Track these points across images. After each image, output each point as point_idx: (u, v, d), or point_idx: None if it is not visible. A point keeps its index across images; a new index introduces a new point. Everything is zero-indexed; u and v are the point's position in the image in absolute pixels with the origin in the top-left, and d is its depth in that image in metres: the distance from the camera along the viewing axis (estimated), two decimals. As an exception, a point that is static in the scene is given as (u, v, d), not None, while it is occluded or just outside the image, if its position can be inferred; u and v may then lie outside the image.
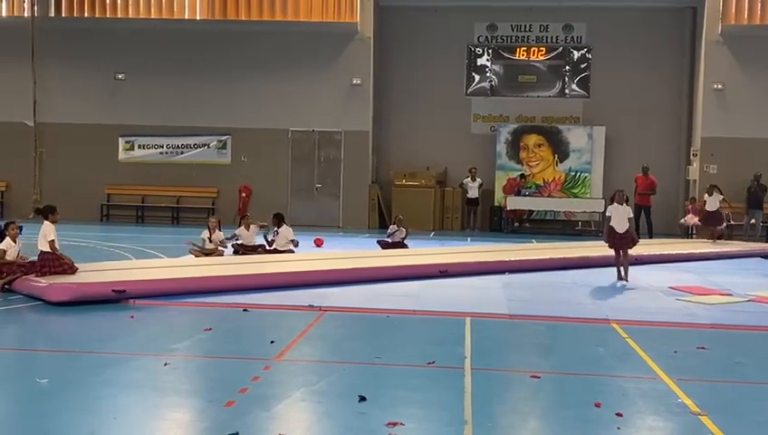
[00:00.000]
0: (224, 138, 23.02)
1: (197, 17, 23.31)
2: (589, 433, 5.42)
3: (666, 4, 23.05)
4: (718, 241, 18.38)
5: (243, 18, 23.13)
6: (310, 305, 9.62)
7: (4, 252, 10.41)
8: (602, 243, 13.00)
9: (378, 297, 10.39)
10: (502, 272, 12.99)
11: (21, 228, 10.87)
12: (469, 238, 20.28)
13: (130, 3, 23.34)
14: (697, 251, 16.65)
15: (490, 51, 23.51)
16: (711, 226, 18.55)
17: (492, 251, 15.37)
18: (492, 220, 22.63)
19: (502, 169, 22.78)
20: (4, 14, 23.84)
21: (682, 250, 16.61)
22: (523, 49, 23.40)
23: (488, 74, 23.58)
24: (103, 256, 13.87)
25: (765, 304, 10.60)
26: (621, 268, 12.36)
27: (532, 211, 22.67)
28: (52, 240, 10.28)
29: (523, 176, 22.56)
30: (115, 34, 23.12)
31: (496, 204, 22.62)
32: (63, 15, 23.45)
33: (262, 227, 14.93)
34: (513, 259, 13.87)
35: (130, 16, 23.41)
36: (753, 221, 20.54)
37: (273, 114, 22.69)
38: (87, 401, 5.76)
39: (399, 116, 23.59)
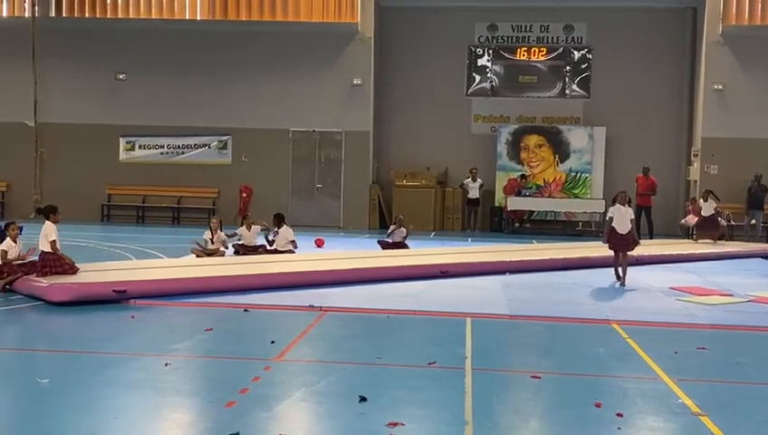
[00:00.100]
0: (224, 138, 23.03)
1: (198, 17, 23.32)
2: (589, 433, 5.42)
3: (666, 5, 23.05)
4: (719, 241, 18.38)
5: (243, 18, 23.14)
6: (310, 306, 9.62)
7: (6, 253, 10.41)
8: (603, 243, 12.97)
9: (378, 298, 10.39)
10: (502, 272, 13.00)
11: (21, 229, 10.87)
12: (470, 239, 20.29)
13: (131, 3, 23.36)
14: (698, 251, 16.66)
15: (490, 51, 23.51)
16: (706, 231, 18.49)
17: (492, 251, 15.37)
18: (492, 221, 22.63)
19: (502, 170, 22.78)
20: (4, 14, 23.85)
21: (682, 251, 16.62)
22: (523, 49, 23.41)
23: (489, 75, 23.58)
24: (104, 257, 13.87)
25: (766, 305, 10.60)
26: (620, 269, 12.32)
27: (533, 212, 22.67)
28: (54, 240, 10.29)
29: (523, 176, 22.56)
30: (116, 35, 23.13)
31: (497, 204, 22.62)
32: (64, 15, 23.47)
33: (263, 229, 14.93)
34: (513, 260, 13.87)
35: (131, 16, 23.43)
36: (753, 222, 20.54)
37: (274, 114, 22.70)
38: (87, 402, 5.76)
39: (400, 116, 23.59)
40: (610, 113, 22.74)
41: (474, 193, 22.37)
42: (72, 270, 10.34)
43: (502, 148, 22.84)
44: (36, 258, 10.43)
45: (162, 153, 23.17)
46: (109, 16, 23.44)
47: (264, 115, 22.72)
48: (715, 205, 18.31)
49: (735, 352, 8.03)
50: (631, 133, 22.83)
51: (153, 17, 23.27)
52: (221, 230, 14.27)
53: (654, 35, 23.06)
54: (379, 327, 8.87)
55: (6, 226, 10.87)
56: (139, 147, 23.24)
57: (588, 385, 6.62)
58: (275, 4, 22.99)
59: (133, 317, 8.92)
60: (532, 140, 22.81)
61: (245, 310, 9.42)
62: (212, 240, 14.05)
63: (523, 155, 22.78)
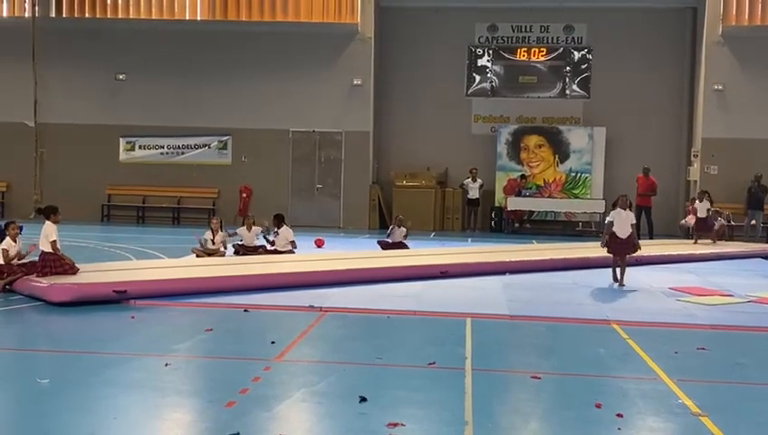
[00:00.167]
0: (224, 138, 23.03)
1: (198, 18, 23.32)
2: (589, 434, 5.42)
3: (666, 5, 23.06)
4: (719, 242, 18.38)
5: (243, 19, 23.14)
6: (310, 306, 9.62)
7: (7, 252, 10.41)
8: (601, 247, 12.92)
9: (378, 298, 10.39)
10: (502, 273, 13.00)
11: (21, 228, 10.87)
12: (470, 239, 20.29)
13: (131, 3, 23.36)
14: (698, 252, 16.66)
15: (490, 51, 23.51)
16: (701, 231, 18.47)
17: (492, 252, 15.37)
18: (492, 221, 22.63)
19: (502, 170, 22.78)
20: (4, 14, 23.85)
21: (682, 251, 16.62)
22: (523, 50, 23.41)
23: (489, 75, 23.58)
24: (104, 257, 13.87)
25: (766, 305, 10.60)
26: (617, 271, 12.28)
27: (533, 212, 22.67)
28: (54, 241, 10.29)
29: (523, 176, 22.56)
30: (116, 35, 23.13)
31: (497, 205, 22.62)
32: (64, 16, 23.48)
33: (264, 230, 14.92)
34: (513, 260, 13.87)
35: (131, 17, 23.42)
36: (753, 222, 20.54)
37: (274, 115, 22.71)
38: (87, 402, 5.77)
39: (400, 116, 23.59)
40: (610, 114, 22.74)
41: (474, 193, 22.37)
42: (73, 270, 10.35)
43: (502, 148, 22.84)
44: (36, 258, 10.43)
45: (162, 153, 23.17)
46: (109, 17, 23.45)
47: (264, 115, 22.73)
48: (708, 206, 18.28)
49: (735, 352, 8.03)
50: (631, 133, 22.84)
51: (153, 17, 23.28)
52: (222, 230, 14.28)
53: (654, 36, 23.06)
54: (379, 327, 8.87)
55: (6, 225, 10.87)
56: (139, 147, 23.24)
57: (588, 386, 6.63)
58: (275, 5, 22.99)
59: (133, 317, 8.92)
60: (532, 140, 22.81)
61: (246, 310, 9.42)
62: (212, 241, 14.05)
63: (523, 155, 22.79)
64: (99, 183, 22.89)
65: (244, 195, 21.91)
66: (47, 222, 10.50)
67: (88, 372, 6.59)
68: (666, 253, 16.10)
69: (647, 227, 20.26)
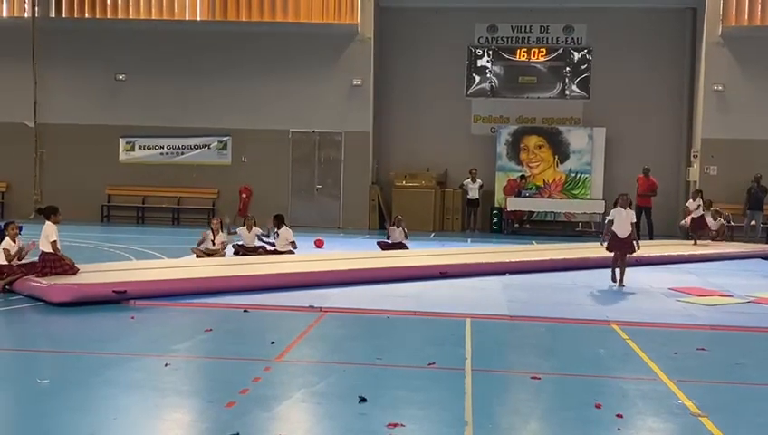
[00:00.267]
0: (224, 139, 23.02)
1: (198, 18, 23.32)
2: (589, 434, 5.42)
3: (666, 6, 23.06)
4: (716, 240, 18.39)
5: (243, 19, 23.14)
6: (310, 306, 9.62)
7: (8, 251, 10.41)
8: (601, 245, 12.91)
9: (378, 298, 10.39)
10: (502, 273, 13.00)
11: (21, 228, 10.87)
12: (469, 239, 20.29)
13: (131, 3, 23.36)
14: (697, 252, 16.65)
15: (490, 52, 23.52)
16: (696, 230, 18.45)
17: (492, 252, 15.38)
18: (492, 221, 22.64)
19: (502, 171, 22.78)
20: (4, 14, 23.85)
21: (682, 251, 16.62)
22: (523, 50, 23.41)
23: (488, 75, 23.58)
24: (104, 257, 13.88)
25: (765, 306, 10.60)
26: (617, 271, 12.24)
27: (533, 212, 22.67)
28: (54, 241, 10.29)
29: (523, 177, 22.56)
30: (115, 35, 23.13)
31: (497, 205, 22.62)
32: (64, 16, 23.47)
33: (264, 233, 14.92)
34: (513, 260, 13.87)
35: (131, 17, 23.42)
36: (753, 222, 20.55)
37: (274, 115, 22.71)
38: (87, 402, 5.77)
39: (400, 117, 23.60)
40: (610, 114, 22.74)
41: (473, 194, 22.37)
42: (73, 271, 10.35)
43: (501, 148, 22.85)
44: (36, 258, 10.44)
45: (162, 154, 23.17)
46: (108, 17, 23.44)
47: (264, 116, 22.72)
48: (701, 203, 18.28)
49: (735, 352, 8.03)
50: (631, 134, 22.84)
51: (153, 18, 23.27)
52: (222, 231, 14.28)
53: (654, 36, 23.06)
54: (379, 328, 8.88)
55: (6, 225, 10.88)
56: (139, 147, 23.24)
57: (588, 386, 6.63)
58: (275, 5, 22.99)
59: (133, 318, 8.92)
60: (532, 140, 22.81)
61: (245, 310, 9.43)
62: (213, 241, 14.05)
63: (523, 156, 22.79)
64: (98, 183, 22.89)
65: (244, 195, 21.91)
66: (47, 222, 10.50)
67: (88, 372, 6.59)
68: (665, 253, 16.11)
69: (647, 228, 20.26)
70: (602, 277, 12.59)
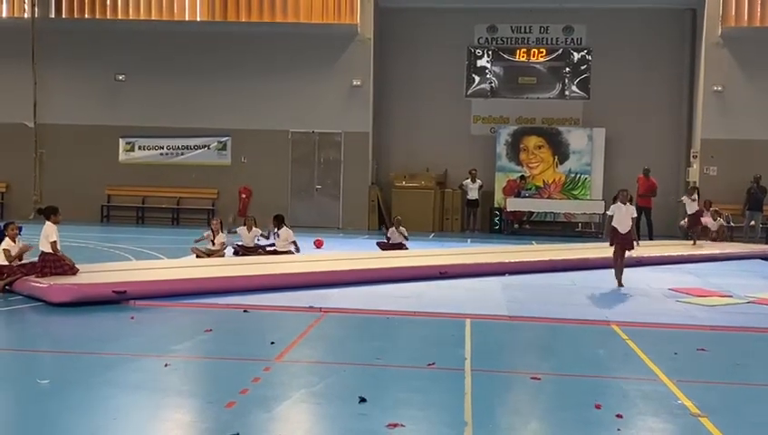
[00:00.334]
0: (224, 139, 23.03)
1: (198, 18, 23.31)
2: (589, 435, 5.44)
3: (666, 6, 23.06)
4: (718, 242, 18.39)
5: (243, 20, 23.13)
6: (310, 307, 9.63)
7: (9, 252, 10.41)
8: (602, 244, 12.93)
9: (378, 298, 10.39)
10: (502, 273, 13.00)
11: (20, 229, 10.88)
12: (469, 240, 20.30)
13: (131, 4, 23.35)
14: (697, 253, 16.66)
15: (490, 52, 23.52)
16: (692, 227, 18.43)
17: (492, 252, 15.38)
18: (492, 222, 22.64)
19: (502, 171, 22.79)
20: (4, 15, 23.85)
21: (682, 252, 16.62)
22: (523, 50, 23.42)
23: (488, 76, 23.59)
24: (104, 257, 13.87)
25: (765, 306, 10.61)
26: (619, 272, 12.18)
27: (532, 213, 22.67)
28: (54, 241, 10.29)
29: (522, 177, 22.57)
30: (115, 36, 23.13)
31: (496, 205, 22.63)
32: (64, 17, 23.47)
33: (262, 236, 14.92)
34: (512, 261, 13.86)
35: (131, 17, 23.41)
36: (752, 223, 20.55)
37: (274, 115, 22.71)
38: (87, 402, 5.77)
39: (399, 117, 23.60)
40: (610, 114, 22.75)
41: (473, 194, 22.37)
42: (72, 271, 10.35)
43: (501, 149, 22.85)
44: (36, 259, 10.43)
45: (162, 154, 23.17)
46: (108, 17, 23.43)
47: (264, 116, 22.73)
48: (694, 198, 18.28)
49: (735, 353, 8.04)
50: (631, 134, 22.84)
51: (153, 18, 23.27)
52: (222, 232, 14.29)
53: (653, 37, 23.07)
54: (379, 328, 8.87)
55: (5, 226, 10.88)
56: (139, 148, 23.24)
57: (588, 386, 6.63)
58: (275, 6, 22.99)
59: (133, 318, 8.92)
60: (532, 141, 22.82)
61: (245, 311, 9.43)
62: (213, 241, 14.05)
63: (523, 156, 22.79)
64: (98, 184, 22.89)
65: (244, 196, 21.91)
66: (47, 222, 10.50)
67: (88, 372, 6.59)
68: (665, 254, 16.10)
69: (647, 228, 20.26)
70: (602, 278, 12.60)
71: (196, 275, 10.96)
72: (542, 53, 23.36)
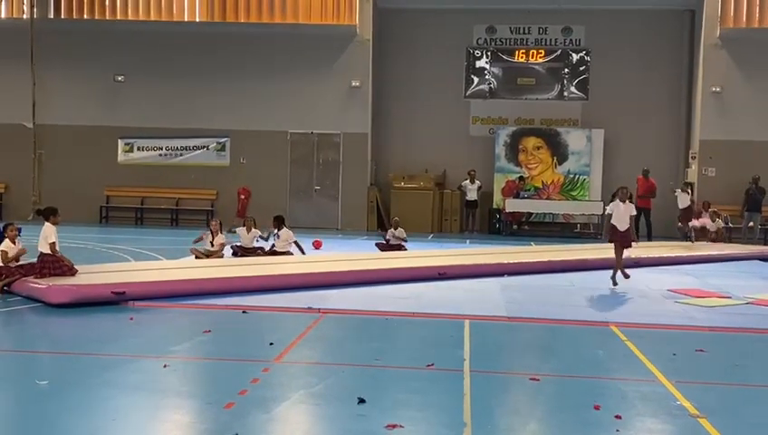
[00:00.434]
0: (223, 140, 23.03)
1: (197, 19, 23.31)
2: (588, 435, 5.44)
3: (664, 7, 23.08)
4: (715, 243, 18.40)
5: (242, 21, 23.14)
6: (309, 307, 9.62)
7: (6, 253, 10.41)
8: (601, 245, 12.91)
9: (377, 299, 10.39)
10: (500, 274, 13.00)
11: (20, 230, 10.87)
12: (468, 241, 20.30)
13: (130, 5, 23.36)
14: (696, 254, 16.67)
15: (489, 53, 23.53)
16: (686, 222, 18.40)
17: (490, 253, 15.38)
18: (490, 223, 22.66)
19: (500, 172, 22.80)
20: (3, 15, 23.87)
21: (681, 253, 16.63)
22: (521, 51, 23.44)
23: (487, 77, 23.60)
24: (102, 258, 13.87)
25: (764, 307, 10.61)
26: (618, 272, 12.17)
27: (531, 214, 22.69)
28: (53, 242, 10.28)
29: (521, 178, 22.58)
30: (114, 36, 23.14)
31: (495, 206, 22.65)
32: (63, 17, 23.49)
33: (262, 237, 14.92)
34: (511, 262, 13.85)
35: (130, 18, 23.42)
36: (751, 224, 20.58)
37: (273, 116, 22.72)
38: (86, 403, 5.76)
39: (398, 118, 23.61)
40: (609, 115, 22.77)
41: (472, 195, 22.39)
42: (71, 272, 10.34)
43: (500, 150, 22.86)
44: (34, 259, 10.43)
45: (161, 155, 23.18)
46: (107, 18, 23.44)
47: (263, 117, 22.74)
48: (687, 193, 18.28)
49: (734, 354, 8.04)
50: (629, 135, 22.86)
51: (152, 19, 23.28)
52: (221, 232, 14.28)
53: (652, 38, 23.09)
54: (378, 329, 8.87)
55: (5, 227, 10.87)
56: (138, 148, 23.24)
57: (587, 387, 6.63)
58: (274, 7, 23.00)
59: (132, 319, 8.92)
60: (531, 142, 22.83)
61: (244, 312, 9.43)
62: (211, 242, 14.05)
63: (522, 157, 22.81)
64: (97, 184, 22.89)
65: (243, 197, 21.91)
66: (46, 223, 10.49)
67: (87, 373, 6.59)
68: (664, 255, 16.11)
69: (646, 229, 20.27)
70: (601, 279, 12.59)
71: (195, 276, 10.94)
72: (540, 53, 23.38)
